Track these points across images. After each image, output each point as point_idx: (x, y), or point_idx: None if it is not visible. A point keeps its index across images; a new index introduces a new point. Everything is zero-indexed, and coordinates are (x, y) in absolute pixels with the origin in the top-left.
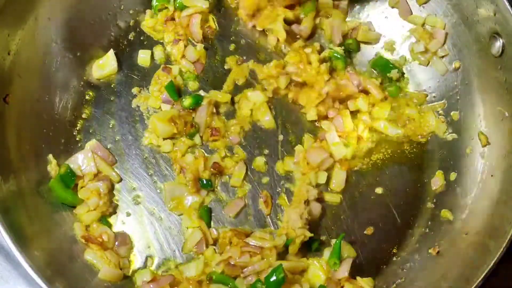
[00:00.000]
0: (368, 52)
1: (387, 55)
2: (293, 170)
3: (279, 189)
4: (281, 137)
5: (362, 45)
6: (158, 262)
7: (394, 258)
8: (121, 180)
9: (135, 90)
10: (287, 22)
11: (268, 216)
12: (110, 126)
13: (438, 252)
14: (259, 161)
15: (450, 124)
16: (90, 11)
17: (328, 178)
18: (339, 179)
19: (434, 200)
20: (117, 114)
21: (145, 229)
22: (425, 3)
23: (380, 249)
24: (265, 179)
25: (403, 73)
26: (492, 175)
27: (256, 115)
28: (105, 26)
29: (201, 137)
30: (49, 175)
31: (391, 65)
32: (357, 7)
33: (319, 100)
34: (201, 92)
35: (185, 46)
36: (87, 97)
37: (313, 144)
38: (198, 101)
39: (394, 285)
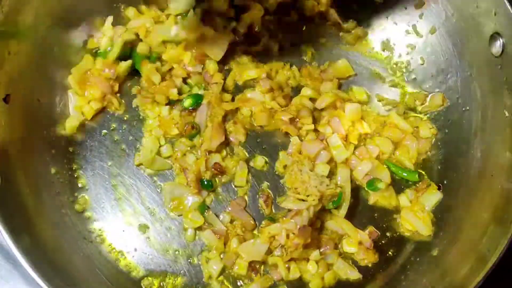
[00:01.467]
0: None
1: (386, 54)
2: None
3: (279, 189)
4: (281, 138)
5: None
6: (157, 262)
7: (395, 258)
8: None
9: (134, 90)
10: None
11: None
12: (111, 126)
13: (438, 252)
14: (259, 161)
15: (450, 124)
16: (89, 11)
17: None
18: (344, 175)
19: None
20: (117, 114)
21: (146, 229)
22: (421, 7)
23: (380, 249)
24: (265, 179)
25: None
26: (492, 175)
27: (256, 116)
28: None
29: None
30: (50, 174)
31: None
32: (356, 7)
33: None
34: (200, 92)
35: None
36: None
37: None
38: (198, 100)
39: (394, 285)
